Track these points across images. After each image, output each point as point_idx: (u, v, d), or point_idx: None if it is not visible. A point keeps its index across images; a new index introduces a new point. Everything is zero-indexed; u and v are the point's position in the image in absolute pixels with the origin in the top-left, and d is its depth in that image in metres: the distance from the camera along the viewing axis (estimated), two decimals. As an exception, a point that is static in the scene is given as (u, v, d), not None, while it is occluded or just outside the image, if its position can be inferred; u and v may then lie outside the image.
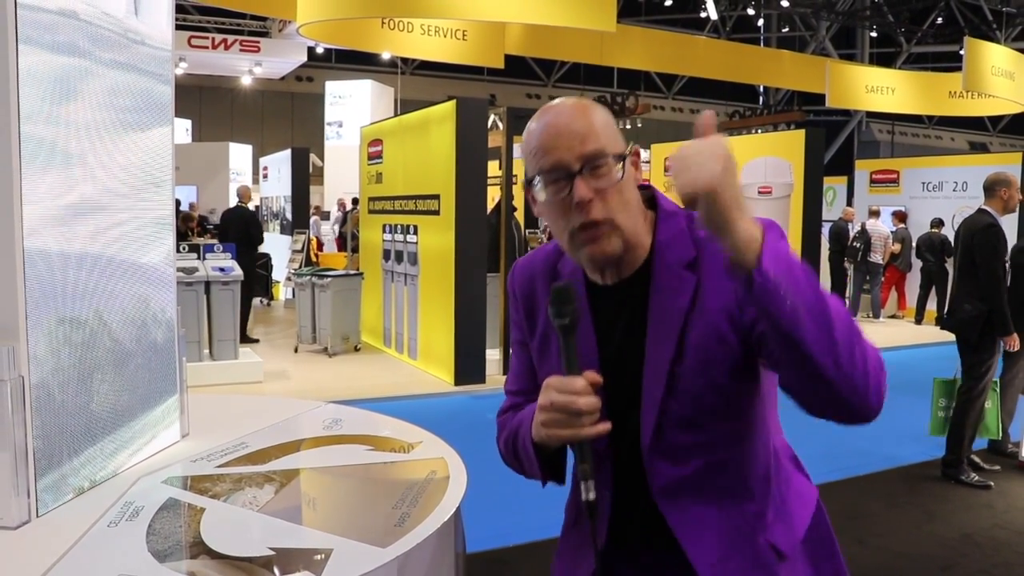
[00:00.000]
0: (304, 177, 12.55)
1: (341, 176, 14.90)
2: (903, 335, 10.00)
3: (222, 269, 6.98)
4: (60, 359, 1.54)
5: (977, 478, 4.62)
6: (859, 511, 4.28)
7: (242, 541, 1.44)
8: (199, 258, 7.18)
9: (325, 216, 15.39)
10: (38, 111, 1.47)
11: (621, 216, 1.17)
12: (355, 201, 12.53)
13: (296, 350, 8.67)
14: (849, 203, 12.54)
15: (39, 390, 1.49)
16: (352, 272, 8.79)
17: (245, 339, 8.52)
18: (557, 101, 1.21)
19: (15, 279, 1.42)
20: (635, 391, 1.20)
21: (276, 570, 1.35)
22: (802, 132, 9.10)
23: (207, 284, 6.90)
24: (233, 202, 13.48)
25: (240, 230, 9.02)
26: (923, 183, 11.62)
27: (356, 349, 8.61)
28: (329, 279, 8.24)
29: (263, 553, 1.38)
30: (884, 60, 24.01)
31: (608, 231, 1.17)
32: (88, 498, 1.61)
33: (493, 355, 7.42)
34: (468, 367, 6.89)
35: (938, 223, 10.43)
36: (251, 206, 10.17)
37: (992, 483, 4.60)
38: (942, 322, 4.76)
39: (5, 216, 1.41)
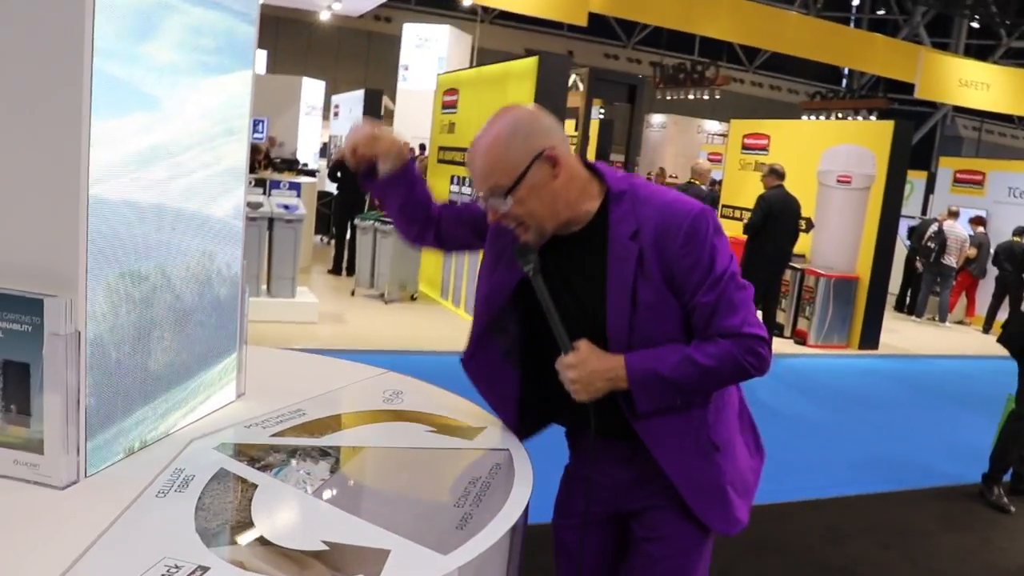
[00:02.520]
0: (375, 118, 12.43)
1: (411, 120, 14.75)
2: (969, 344, 9.62)
3: (286, 207, 6.94)
4: (118, 315, 1.45)
5: (998, 497, 4.37)
6: (911, 528, 4.09)
7: (294, 529, 1.34)
8: (265, 193, 7.14)
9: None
10: (113, 48, 1.35)
11: (533, 215, 1.56)
12: (422, 147, 12.40)
13: (353, 293, 8.65)
14: (927, 200, 12.04)
15: (95, 346, 1.40)
16: (414, 221, 8.68)
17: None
18: (480, 134, 1.58)
19: (78, 228, 1.32)
20: (598, 321, 1.58)
21: (328, 568, 1.26)
22: (891, 123, 8.67)
23: (271, 220, 6.86)
24: (304, 137, 13.44)
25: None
26: (1010, 188, 11.07)
27: (412, 298, 8.56)
28: (391, 227, 8.16)
29: (316, 547, 1.27)
30: (980, 53, 22.90)
31: (523, 228, 1.58)
32: (138, 459, 1.53)
33: (547, 320, 7.27)
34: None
35: (1020, 232, 9.93)
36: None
37: (1012, 508, 4.35)
38: (999, 335, 4.52)
39: (72, 160, 1.30)
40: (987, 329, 10.18)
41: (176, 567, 1.17)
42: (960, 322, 11.01)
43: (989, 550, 3.93)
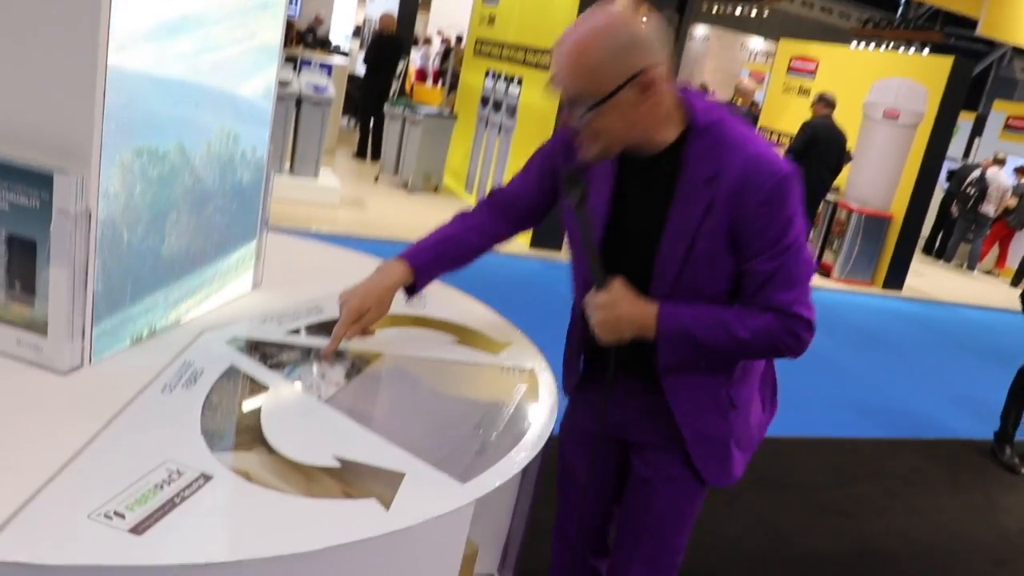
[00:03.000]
0: (412, 3, 12.02)
1: (447, 8, 14.27)
2: (996, 295, 9.45)
3: (316, 87, 6.74)
4: (133, 195, 1.34)
5: (1009, 456, 4.32)
6: (918, 478, 4.06)
7: (304, 440, 1.26)
8: (295, 71, 6.93)
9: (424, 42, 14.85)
10: (146, -102, 1.20)
11: (608, 131, 1.41)
12: (459, 39, 12.03)
13: (376, 179, 8.53)
14: (971, 143, 11.64)
15: (106, 227, 1.30)
16: (446, 113, 8.47)
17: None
18: (572, 29, 1.38)
19: (94, 99, 1.20)
20: (647, 261, 1.47)
21: (339, 487, 1.19)
22: (949, 59, 8.27)
23: (299, 100, 6.67)
24: (337, 17, 13.08)
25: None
26: (1063, 139, 10.68)
27: (436, 190, 8.43)
28: (421, 116, 7.96)
29: (327, 462, 1.20)
30: (1050, -8, 21.72)
31: (588, 142, 1.44)
32: (145, 348, 1.46)
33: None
34: (546, 232, 6.62)
35: (1067, 185, 9.62)
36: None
37: (1023, 470, 4.31)
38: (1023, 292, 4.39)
39: (91, 26, 1.17)
40: (1016, 282, 9.99)
41: (178, 472, 1.10)
42: (989, 272, 10.81)
43: (994, 509, 3.90)
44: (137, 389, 1.29)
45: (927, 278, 9.37)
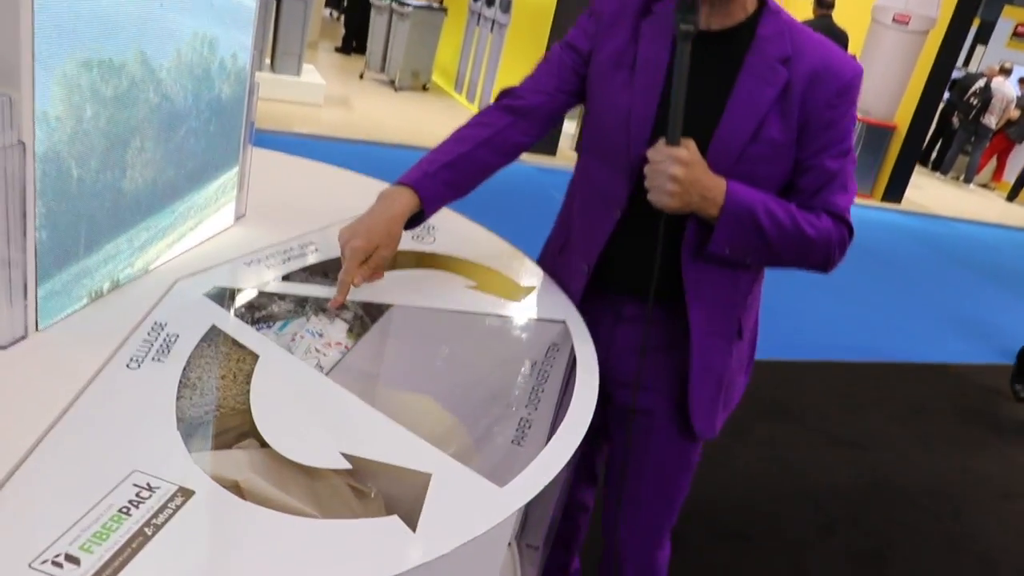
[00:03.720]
0: None
1: None
2: (991, 210, 9.27)
3: (298, -26, 6.24)
4: (82, 119, 1.06)
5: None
6: (926, 406, 3.93)
7: (305, 430, 1.02)
8: (275, -44, 6.41)
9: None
10: None
11: None
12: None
13: (362, 76, 8.08)
14: (972, 51, 11.23)
15: (48, 163, 1.02)
16: (435, 6, 7.96)
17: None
18: None
19: (21, -4, 0.90)
20: (701, 144, 1.30)
21: (349, 497, 0.97)
22: (966, -40, 7.81)
23: (279, -11, 6.18)
24: None
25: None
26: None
27: (424, 88, 8.02)
28: (410, 9, 7.47)
29: (334, 462, 0.97)
30: None
31: None
32: (107, 306, 1.20)
33: (569, 128, 6.85)
34: (549, 138, 6.30)
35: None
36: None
37: None
38: None
39: None
40: (1012, 196, 9.79)
41: (148, 488, 0.86)
42: (984, 186, 10.59)
43: (1007, 443, 3.78)
44: (95, 366, 1.04)
45: (924, 191, 9.15)
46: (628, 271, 1.44)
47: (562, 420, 1.15)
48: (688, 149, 1.28)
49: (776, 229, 1.32)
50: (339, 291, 1.30)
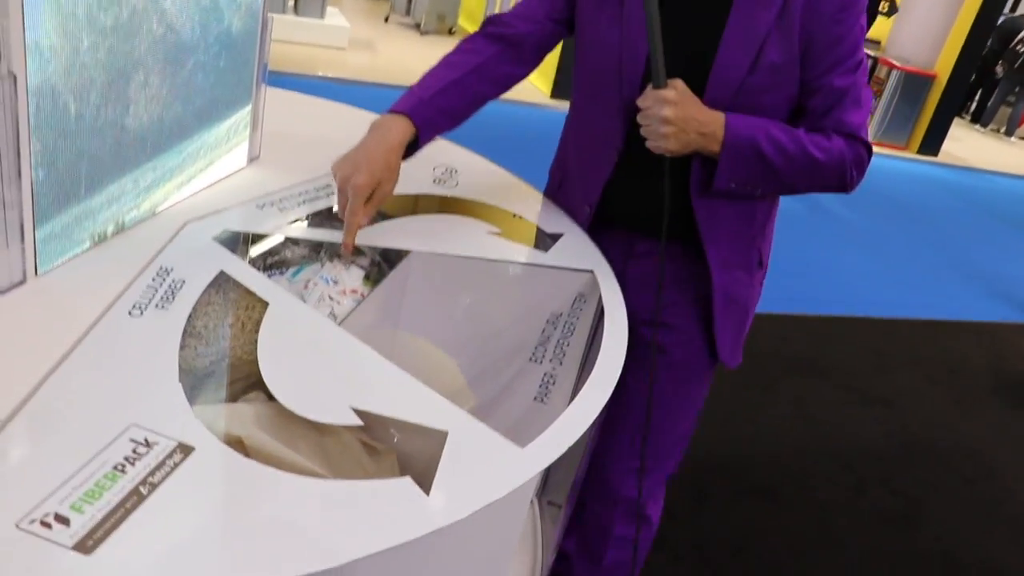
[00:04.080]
0: None
1: None
2: (1033, 162, 8.97)
3: (322, -89, 6.07)
4: (79, 51, 0.99)
5: None
6: (960, 365, 3.82)
7: (316, 385, 0.96)
8: None
9: None
10: None
11: None
12: None
13: (387, 19, 7.93)
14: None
15: (43, 97, 0.96)
16: (462, -53, 7.76)
17: None
18: None
19: (6, -92, 0.83)
20: (698, 80, 1.24)
21: (360, 454, 0.92)
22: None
23: (303, -75, 6.03)
24: None
25: None
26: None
27: (451, 32, 7.86)
28: (436, -51, 7.28)
29: (344, 418, 0.91)
30: None
31: None
32: (110, 250, 1.14)
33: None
34: (569, 81, 6.15)
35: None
36: None
37: None
38: None
39: None
40: (1055, 150, 9.48)
41: (146, 443, 0.81)
42: (1025, 137, 10.27)
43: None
44: (96, 313, 0.98)
45: (962, 143, 8.88)
46: (633, 209, 1.39)
47: (587, 375, 1.08)
48: (676, 88, 1.22)
49: (781, 157, 1.26)
50: (348, 234, 1.22)
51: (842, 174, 1.29)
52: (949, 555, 2.46)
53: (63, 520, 0.70)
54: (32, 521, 0.70)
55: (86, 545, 0.69)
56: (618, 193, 1.39)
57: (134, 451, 0.79)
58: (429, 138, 1.32)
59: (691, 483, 2.42)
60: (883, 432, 3.09)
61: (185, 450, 0.81)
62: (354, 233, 1.23)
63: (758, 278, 1.46)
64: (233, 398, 0.96)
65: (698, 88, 1.24)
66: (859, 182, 1.32)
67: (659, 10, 1.20)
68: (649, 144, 1.25)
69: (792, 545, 2.35)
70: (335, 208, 1.27)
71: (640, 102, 1.24)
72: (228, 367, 1.00)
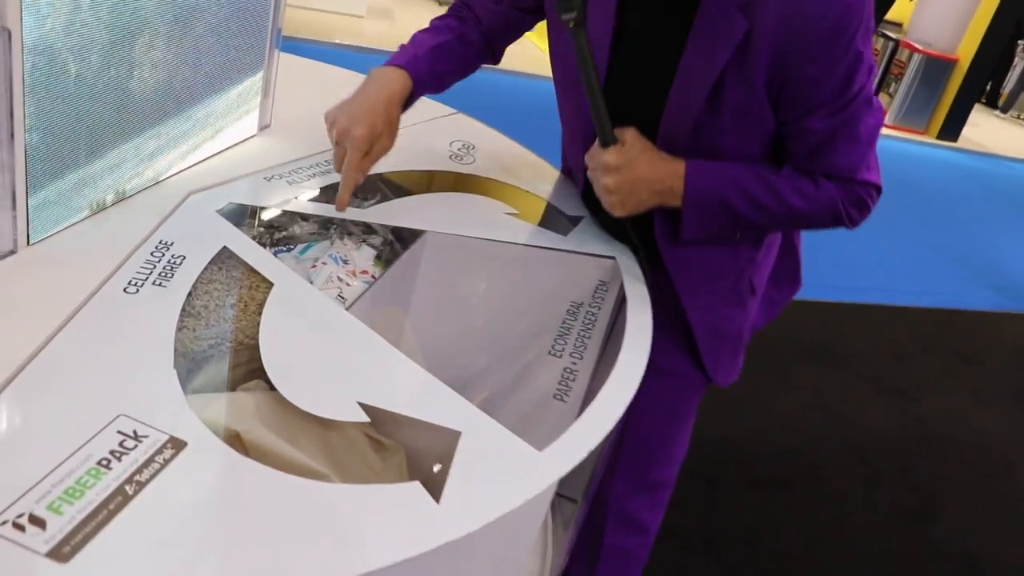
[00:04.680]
0: None
1: None
2: (1054, 151, 8.78)
3: None
4: (79, 8, 0.91)
5: None
6: (977, 355, 3.73)
7: (320, 377, 0.90)
8: None
9: None
10: None
11: None
12: None
13: (405, -12, 7.77)
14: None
15: (40, 55, 0.88)
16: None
17: None
18: None
19: None
20: (654, 117, 1.12)
21: (366, 450, 0.85)
22: None
23: None
24: None
25: None
26: None
27: (468, 4, 7.68)
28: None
29: (351, 414, 0.84)
30: None
31: None
32: (109, 221, 1.07)
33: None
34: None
35: None
36: None
37: None
38: None
39: None
40: (1077, 138, 9.27)
41: (134, 436, 0.74)
42: (1047, 125, 10.06)
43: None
44: (89, 288, 0.91)
45: (981, 128, 8.69)
46: (609, 228, 1.31)
47: (603, 370, 1.02)
48: (624, 146, 1.11)
49: (754, 209, 1.13)
50: (344, 189, 1.14)
51: (836, 216, 1.15)
52: (966, 552, 2.39)
53: (38, 522, 0.64)
54: (3, 523, 0.63)
55: (62, 552, 0.62)
56: (596, 202, 1.27)
57: (121, 444, 0.73)
58: (421, 94, 1.27)
59: (702, 472, 2.35)
60: (899, 423, 3.01)
61: (177, 445, 0.74)
62: (350, 189, 1.15)
63: (752, 304, 1.34)
64: (232, 386, 0.89)
65: (654, 128, 1.13)
66: (863, 219, 1.18)
67: (611, 48, 1.12)
68: (603, 204, 1.16)
69: (805, 538, 2.29)
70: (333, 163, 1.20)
71: (587, 160, 1.15)
72: (228, 351, 0.92)
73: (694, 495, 2.27)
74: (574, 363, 1.06)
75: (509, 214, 1.37)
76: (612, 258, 1.28)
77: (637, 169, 1.11)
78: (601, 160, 1.11)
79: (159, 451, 0.73)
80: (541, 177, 1.51)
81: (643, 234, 1.25)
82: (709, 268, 1.25)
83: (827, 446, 2.75)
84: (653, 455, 1.41)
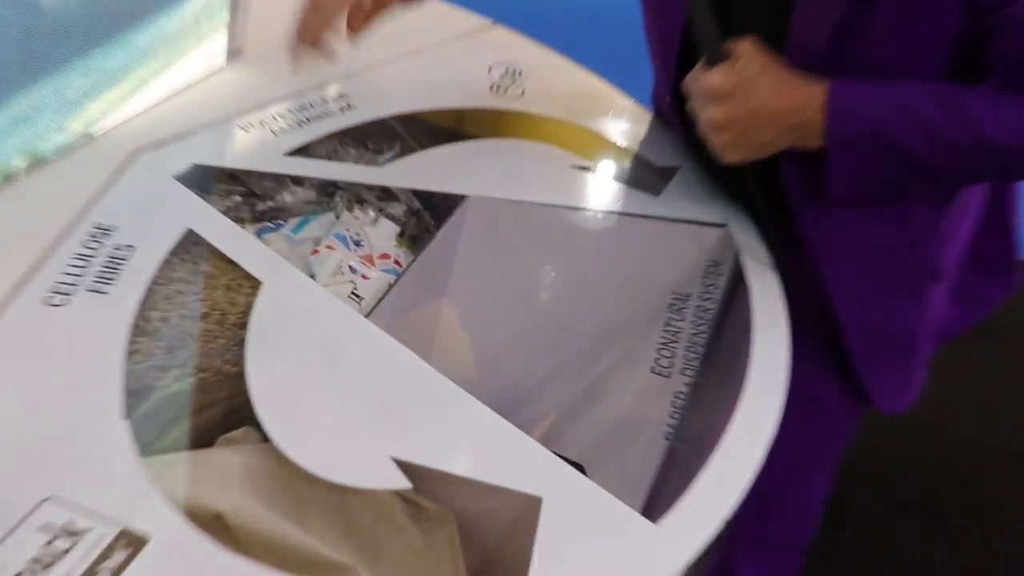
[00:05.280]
0: None
1: None
2: None
3: None
4: None
5: None
6: None
7: (334, 419, 0.81)
8: None
9: None
10: None
11: None
12: None
13: None
14: None
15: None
16: None
17: None
18: None
19: None
20: (779, 9, 1.02)
21: (403, 520, 0.80)
22: None
23: None
24: None
25: None
26: None
27: None
28: None
29: (382, 476, 0.76)
30: None
31: None
32: (17, 199, 1.00)
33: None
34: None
35: None
36: None
37: None
38: None
39: None
40: None
41: (68, 533, 0.65)
42: None
43: None
44: (-4, 300, 0.83)
45: None
46: (724, 177, 1.23)
47: (722, 391, 0.94)
48: (733, 65, 1.01)
49: (933, 147, 1.00)
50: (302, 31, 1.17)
51: None
52: None
53: None
54: None
55: None
56: (700, 146, 1.19)
57: (49, 544, 0.64)
58: None
59: (829, 495, 2.27)
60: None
61: (133, 542, 0.66)
62: (311, 35, 1.19)
63: (932, 294, 1.25)
64: (208, 439, 0.80)
65: (780, 35, 1.04)
66: None
67: None
68: (711, 147, 1.08)
69: (963, 582, 2.24)
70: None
71: (686, 84, 1.06)
72: (201, 385, 0.83)
73: (820, 526, 2.21)
74: (686, 386, 0.96)
75: (576, 167, 1.29)
76: (723, 226, 1.19)
77: (757, 95, 1.01)
78: (706, 84, 1.02)
79: (106, 552, 0.65)
80: (618, 114, 1.44)
81: (769, 190, 1.15)
82: (867, 240, 1.15)
83: (987, 456, 2.66)
84: (783, 510, 1.37)
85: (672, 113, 1.27)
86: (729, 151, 1.04)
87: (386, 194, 1.16)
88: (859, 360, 1.21)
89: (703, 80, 1.01)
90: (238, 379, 0.82)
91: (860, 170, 1.04)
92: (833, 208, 1.11)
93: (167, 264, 0.93)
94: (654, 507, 0.80)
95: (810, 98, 1.00)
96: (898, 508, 2.38)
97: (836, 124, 0.99)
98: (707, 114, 1.02)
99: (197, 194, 1.04)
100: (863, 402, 1.26)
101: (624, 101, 1.47)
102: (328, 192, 1.15)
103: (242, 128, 1.20)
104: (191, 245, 0.96)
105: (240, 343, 0.85)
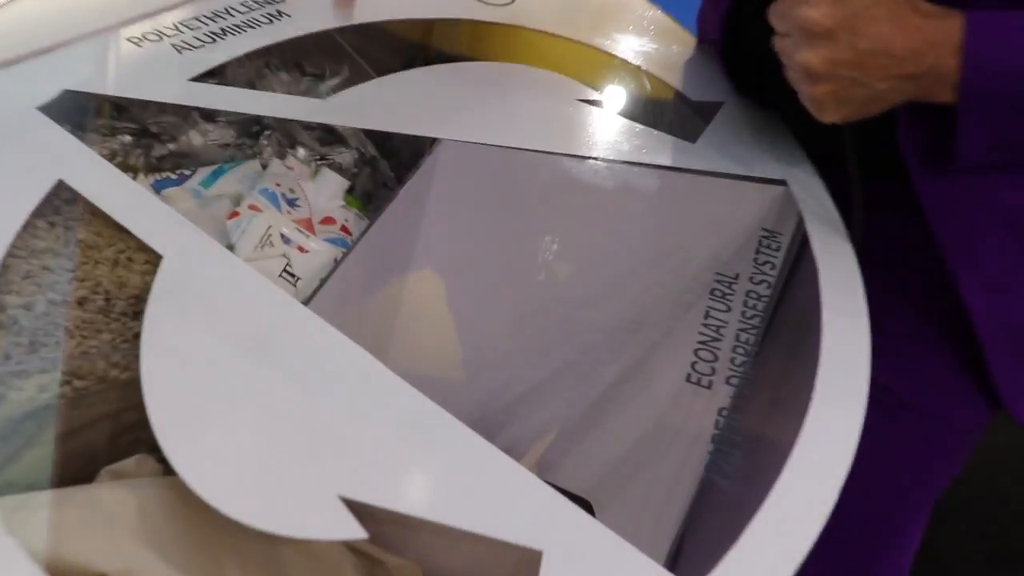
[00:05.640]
0: None
1: None
2: None
3: None
4: None
5: None
6: None
7: (257, 439, 0.81)
8: None
9: None
10: None
11: None
12: None
13: None
14: None
15: None
16: None
17: None
18: None
19: None
20: None
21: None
22: None
23: None
24: None
25: None
26: None
27: None
28: None
29: (327, 524, 0.76)
30: None
31: None
32: None
33: None
34: None
35: None
36: None
37: None
38: None
39: None
40: None
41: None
42: None
43: None
44: None
45: None
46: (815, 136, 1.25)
47: (763, 398, 1.00)
48: None
49: None
50: None
51: None
52: None
53: None
54: None
55: None
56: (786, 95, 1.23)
57: None
58: None
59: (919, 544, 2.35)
60: None
61: None
62: None
63: None
64: (88, 471, 0.82)
65: None
66: None
67: None
68: (802, 100, 1.11)
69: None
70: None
71: (772, 15, 1.09)
72: (75, 398, 0.84)
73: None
74: (720, 398, 1.00)
75: (585, 101, 1.32)
76: (781, 183, 1.23)
77: (869, 32, 1.02)
78: (802, 16, 1.03)
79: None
80: (641, 29, 1.48)
81: (874, 152, 1.19)
82: (1006, 216, 1.19)
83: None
84: (865, 567, 1.41)
85: (721, 59, 1.30)
86: (828, 108, 1.06)
87: (330, 136, 1.20)
88: (993, 363, 1.25)
89: (798, 10, 1.02)
90: (130, 389, 0.82)
91: (1001, 128, 1.06)
92: (961, 176, 1.14)
93: (28, 229, 0.93)
94: (685, 561, 0.84)
95: (941, 36, 1.02)
96: (1002, 556, 2.48)
97: (975, 69, 1.01)
98: (801, 57, 1.03)
99: (69, 132, 1.04)
100: (991, 413, 1.30)
101: (649, 11, 1.52)
102: (251, 133, 1.18)
103: (132, 41, 1.21)
104: (62, 204, 0.97)
105: (133, 339, 0.87)
